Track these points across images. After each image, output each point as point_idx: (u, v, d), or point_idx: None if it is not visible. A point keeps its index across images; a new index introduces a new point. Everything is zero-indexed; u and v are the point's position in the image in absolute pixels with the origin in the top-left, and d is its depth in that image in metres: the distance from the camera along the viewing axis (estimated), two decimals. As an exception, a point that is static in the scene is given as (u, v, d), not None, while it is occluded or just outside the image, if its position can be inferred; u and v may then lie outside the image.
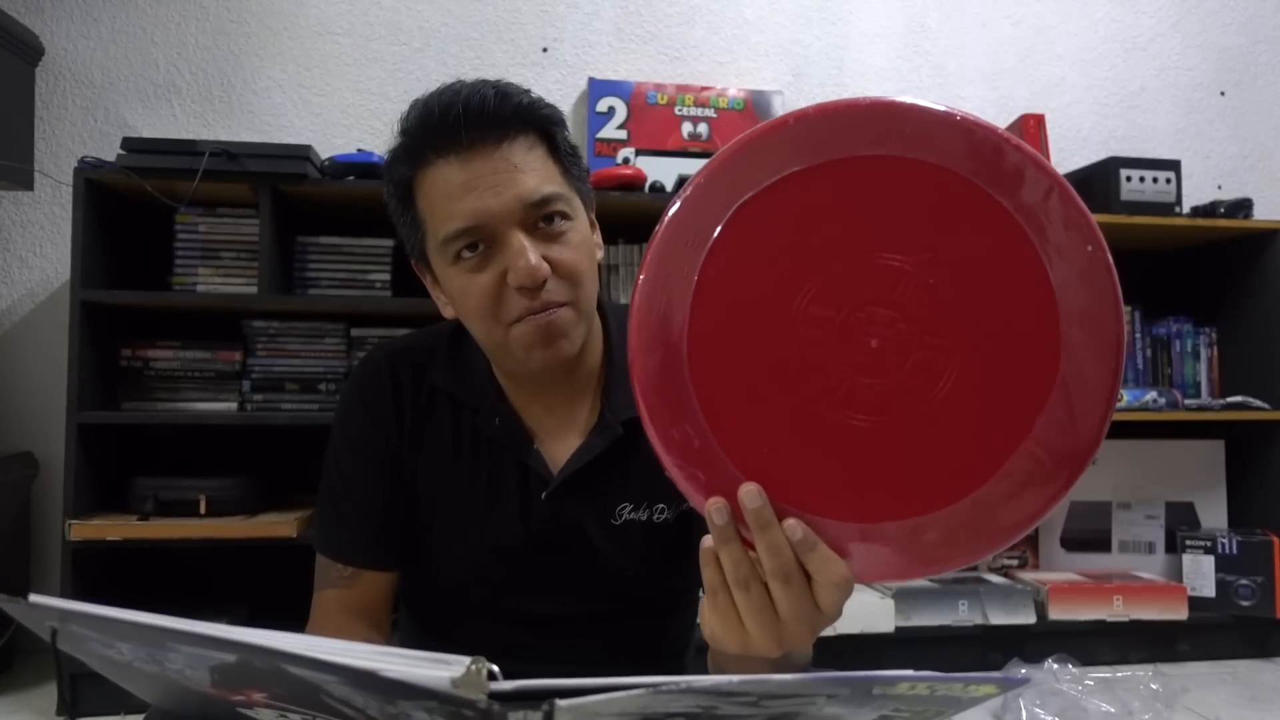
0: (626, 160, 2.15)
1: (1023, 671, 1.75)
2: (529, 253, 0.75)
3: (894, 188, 0.52)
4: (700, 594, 0.92)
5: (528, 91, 0.79)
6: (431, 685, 0.39)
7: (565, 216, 0.78)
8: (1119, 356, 0.51)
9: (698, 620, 0.99)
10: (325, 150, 2.00)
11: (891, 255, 0.52)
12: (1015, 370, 0.51)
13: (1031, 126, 2.22)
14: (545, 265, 0.75)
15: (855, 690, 0.42)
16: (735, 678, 0.40)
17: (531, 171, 0.76)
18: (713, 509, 0.54)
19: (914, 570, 0.53)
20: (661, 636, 0.96)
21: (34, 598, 0.44)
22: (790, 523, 0.53)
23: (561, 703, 0.39)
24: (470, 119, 0.75)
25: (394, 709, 0.42)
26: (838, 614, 0.55)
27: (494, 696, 0.39)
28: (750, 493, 0.53)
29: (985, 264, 0.51)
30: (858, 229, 0.53)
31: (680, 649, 0.99)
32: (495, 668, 0.40)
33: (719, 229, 0.54)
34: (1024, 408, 0.51)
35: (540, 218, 0.77)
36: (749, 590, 0.54)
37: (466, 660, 0.40)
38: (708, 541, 0.55)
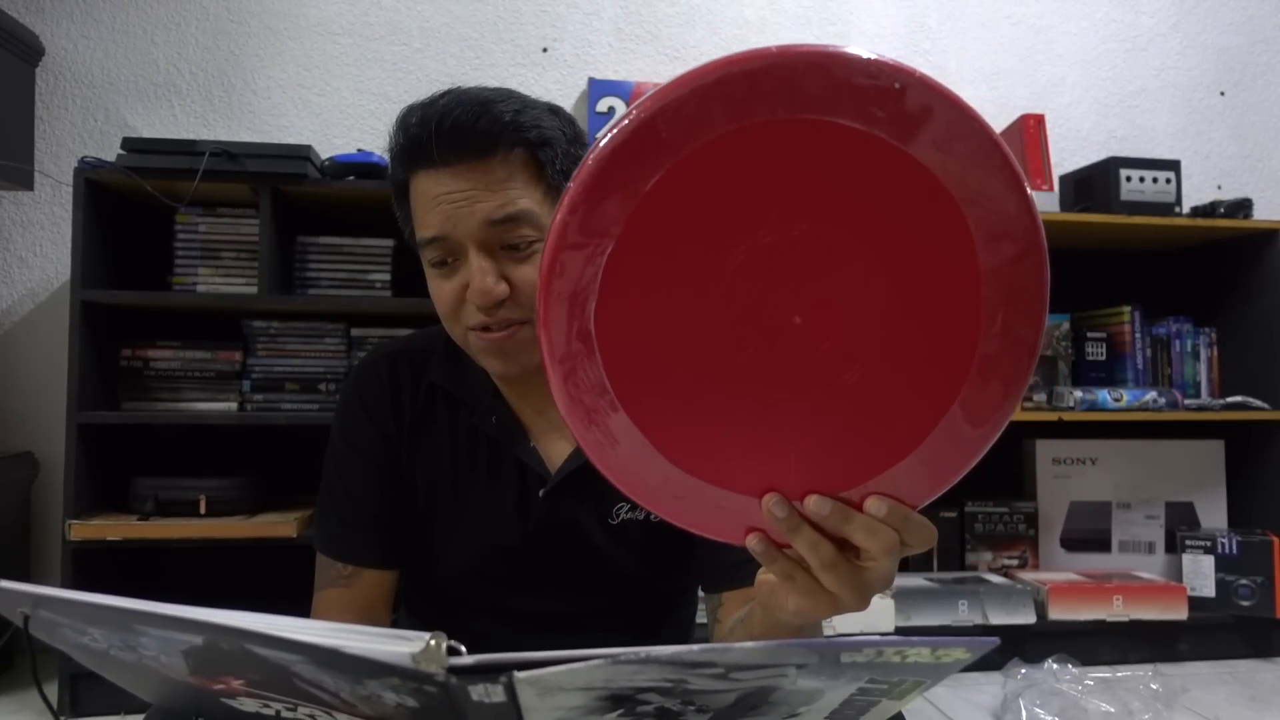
0: (626, 160, 2.15)
1: (1023, 672, 1.75)
2: (484, 275, 0.76)
3: (796, 150, 0.48)
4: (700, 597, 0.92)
5: (521, 108, 0.78)
6: (391, 660, 0.39)
7: (537, 237, 0.77)
8: (1043, 270, 0.51)
9: (697, 620, 1.00)
10: (325, 150, 2.00)
11: (818, 225, 0.49)
12: (946, 304, 0.50)
13: (1031, 126, 2.22)
14: (502, 286, 0.76)
15: (824, 658, 0.42)
16: (696, 647, 0.40)
17: (504, 190, 0.76)
18: (772, 503, 0.52)
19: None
20: (660, 635, 0.96)
21: (3, 583, 0.44)
22: (871, 503, 0.51)
23: (520, 675, 0.39)
24: (444, 137, 0.75)
25: (363, 689, 0.42)
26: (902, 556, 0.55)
27: (454, 671, 0.39)
28: (816, 504, 0.52)
29: (903, 220, 0.49)
30: (746, 211, 0.49)
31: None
32: (460, 645, 0.40)
33: (609, 250, 0.49)
34: (964, 343, 0.50)
35: (505, 236, 0.77)
36: (837, 568, 0.52)
37: (426, 636, 0.40)
38: (756, 546, 0.53)
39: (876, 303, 0.50)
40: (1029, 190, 0.49)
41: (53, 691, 1.72)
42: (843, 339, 0.50)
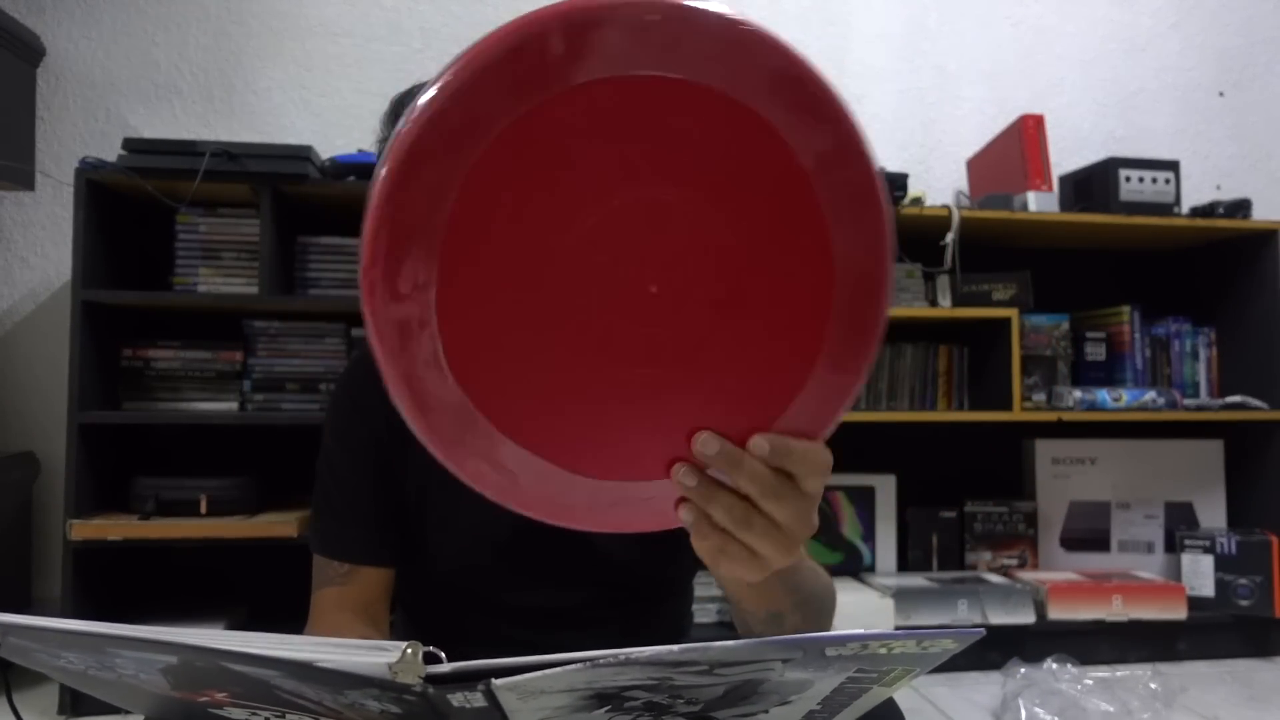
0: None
1: (1022, 671, 1.75)
2: None
3: (663, 112, 0.45)
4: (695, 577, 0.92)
5: None
6: (368, 672, 0.39)
7: None
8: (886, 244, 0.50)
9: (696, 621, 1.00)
10: (326, 150, 2.00)
11: (663, 188, 0.46)
12: (798, 258, 0.49)
13: (1031, 127, 2.22)
14: None
15: (808, 652, 0.42)
16: (676, 647, 0.40)
17: None
18: (681, 473, 0.50)
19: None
20: (657, 626, 0.97)
21: None
22: (754, 441, 0.50)
23: (498, 682, 0.39)
24: None
25: (345, 698, 0.42)
26: (820, 493, 0.54)
27: (432, 679, 0.39)
28: (704, 441, 0.50)
29: (743, 174, 0.47)
30: (611, 163, 0.45)
31: (676, 636, 1.00)
32: (440, 652, 0.40)
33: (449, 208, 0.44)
34: (814, 321, 0.50)
35: None
36: (753, 525, 0.51)
37: (403, 645, 0.40)
38: (688, 517, 0.52)
39: (728, 260, 0.48)
40: (846, 108, 0.47)
41: (53, 691, 1.72)
42: (701, 304, 0.48)
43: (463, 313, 0.45)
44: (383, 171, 0.43)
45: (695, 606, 1.05)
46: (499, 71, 0.43)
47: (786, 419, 0.51)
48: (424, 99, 0.43)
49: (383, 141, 0.84)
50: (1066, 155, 2.44)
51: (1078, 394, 2.10)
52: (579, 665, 0.39)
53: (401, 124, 0.43)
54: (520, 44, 0.43)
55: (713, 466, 0.51)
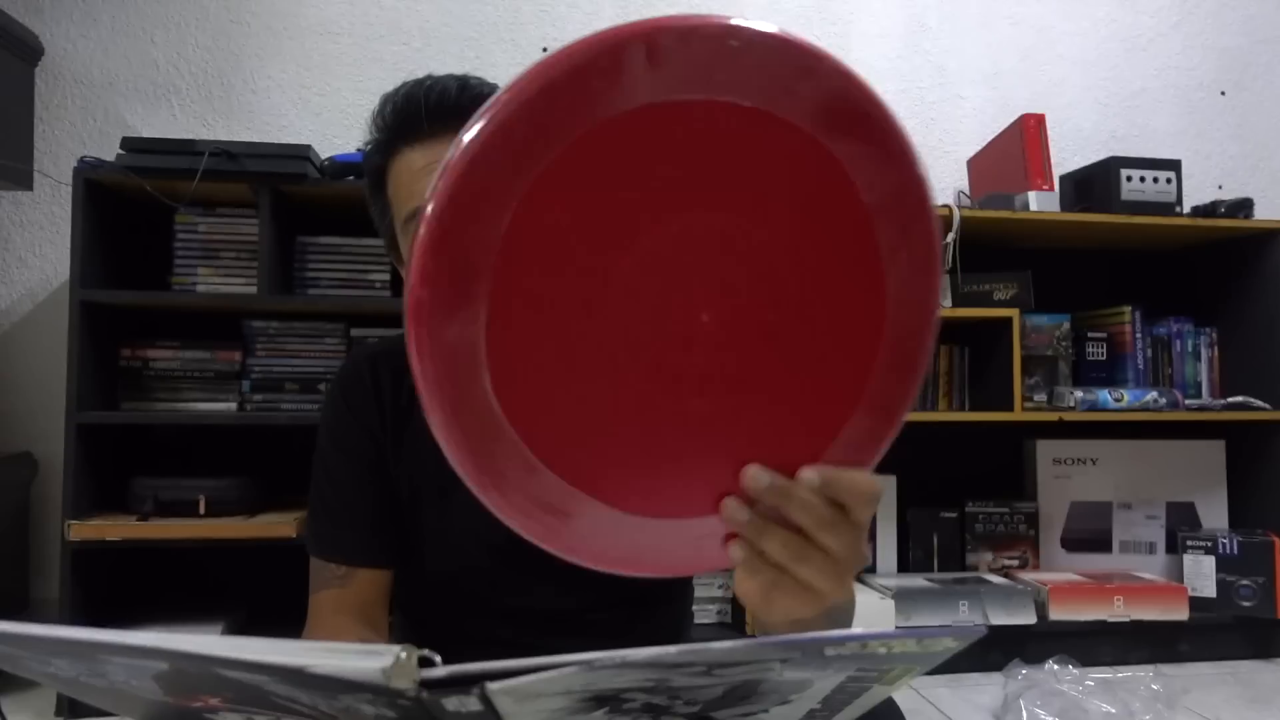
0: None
1: (1023, 673, 1.75)
2: None
3: (727, 138, 0.45)
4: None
5: (494, 87, 0.81)
6: (360, 677, 0.39)
7: None
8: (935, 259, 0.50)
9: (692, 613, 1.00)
10: (325, 150, 2.00)
11: (721, 215, 0.46)
12: (850, 284, 0.49)
13: (1032, 126, 2.22)
14: None
15: (807, 653, 0.41)
16: (674, 648, 0.39)
17: None
18: (732, 508, 0.50)
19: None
20: (656, 627, 0.96)
21: None
22: (805, 473, 0.49)
23: (493, 685, 0.38)
24: (431, 109, 0.79)
25: (339, 703, 0.42)
26: (869, 522, 0.53)
27: (426, 684, 0.39)
28: (754, 474, 0.49)
29: (820, 233, 0.47)
30: (655, 191, 0.45)
31: (676, 637, 0.99)
32: (435, 655, 0.40)
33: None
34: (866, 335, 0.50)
35: None
36: (810, 558, 0.50)
37: (397, 649, 0.39)
38: (738, 554, 0.52)
39: (782, 292, 0.47)
40: (914, 151, 0.47)
41: (51, 692, 1.71)
42: (753, 334, 0.48)
43: (512, 338, 0.44)
44: (440, 185, 0.42)
45: (695, 607, 1.04)
46: (571, 86, 0.42)
47: (832, 452, 0.50)
48: (488, 112, 0.42)
49: (371, 143, 0.83)
50: (1067, 155, 2.43)
51: (1079, 394, 2.10)
52: (576, 667, 0.38)
53: (464, 135, 0.42)
54: (595, 59, 0.41)
55: (763, 501, 0.50)
